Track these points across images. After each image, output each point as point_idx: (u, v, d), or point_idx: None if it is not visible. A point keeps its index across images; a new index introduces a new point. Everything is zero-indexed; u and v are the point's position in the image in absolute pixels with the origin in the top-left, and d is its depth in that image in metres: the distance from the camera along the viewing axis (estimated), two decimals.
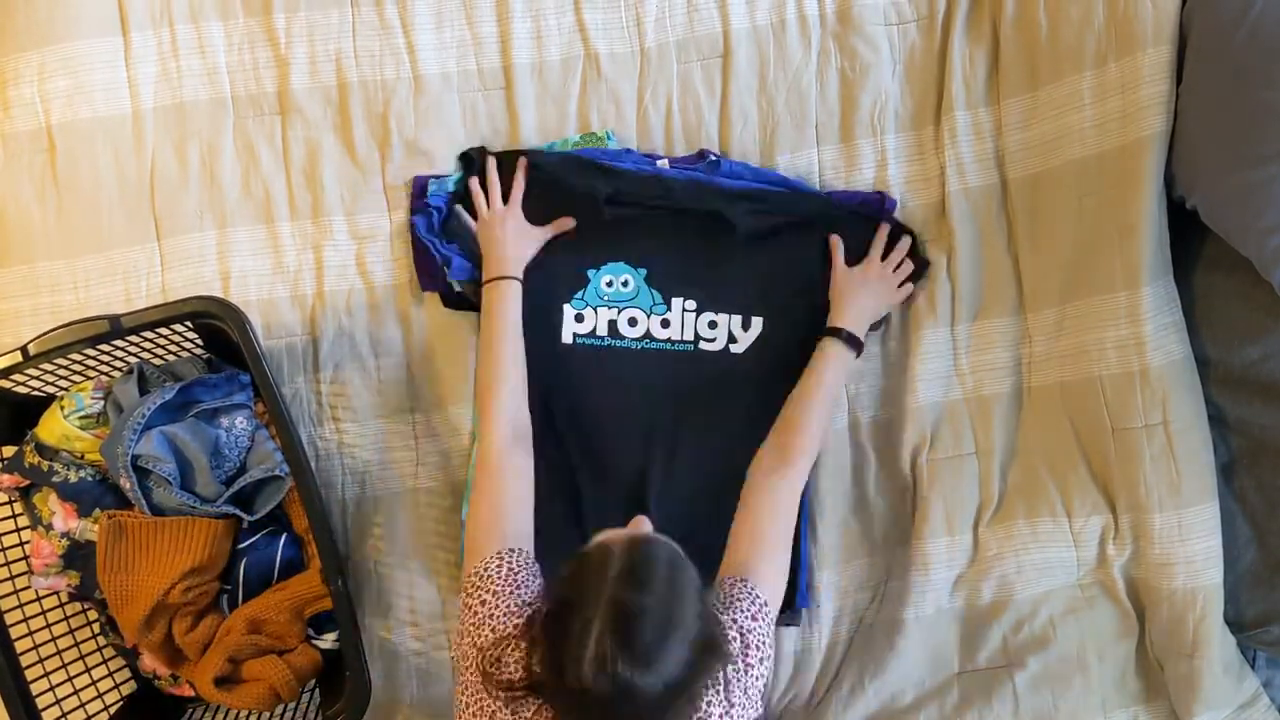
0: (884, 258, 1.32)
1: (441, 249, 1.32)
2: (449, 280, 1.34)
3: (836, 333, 1.26)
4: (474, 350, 1.37)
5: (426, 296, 1.38)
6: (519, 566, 1.02)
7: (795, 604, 1.33)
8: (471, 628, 0.98)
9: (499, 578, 1.00)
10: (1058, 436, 1.32)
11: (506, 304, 1.24)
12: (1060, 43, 1.29)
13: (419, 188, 1.37)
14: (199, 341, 1.33)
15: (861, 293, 1.29)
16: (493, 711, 0.93)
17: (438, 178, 1.37)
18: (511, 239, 1.29)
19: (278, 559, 1.29)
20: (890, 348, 1.37)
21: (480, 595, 0.99)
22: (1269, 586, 1.26)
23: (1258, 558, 1.27)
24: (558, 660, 0.83)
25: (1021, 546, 1.33)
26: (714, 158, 1.36)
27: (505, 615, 0.97)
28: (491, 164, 1.34)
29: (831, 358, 1.25)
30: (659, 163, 1.36)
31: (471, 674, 0.96)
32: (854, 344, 1.26)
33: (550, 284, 1.34)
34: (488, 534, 1.06)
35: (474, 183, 1.33)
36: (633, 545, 0.87)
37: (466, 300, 1.36)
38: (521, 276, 1.27)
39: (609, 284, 1.35)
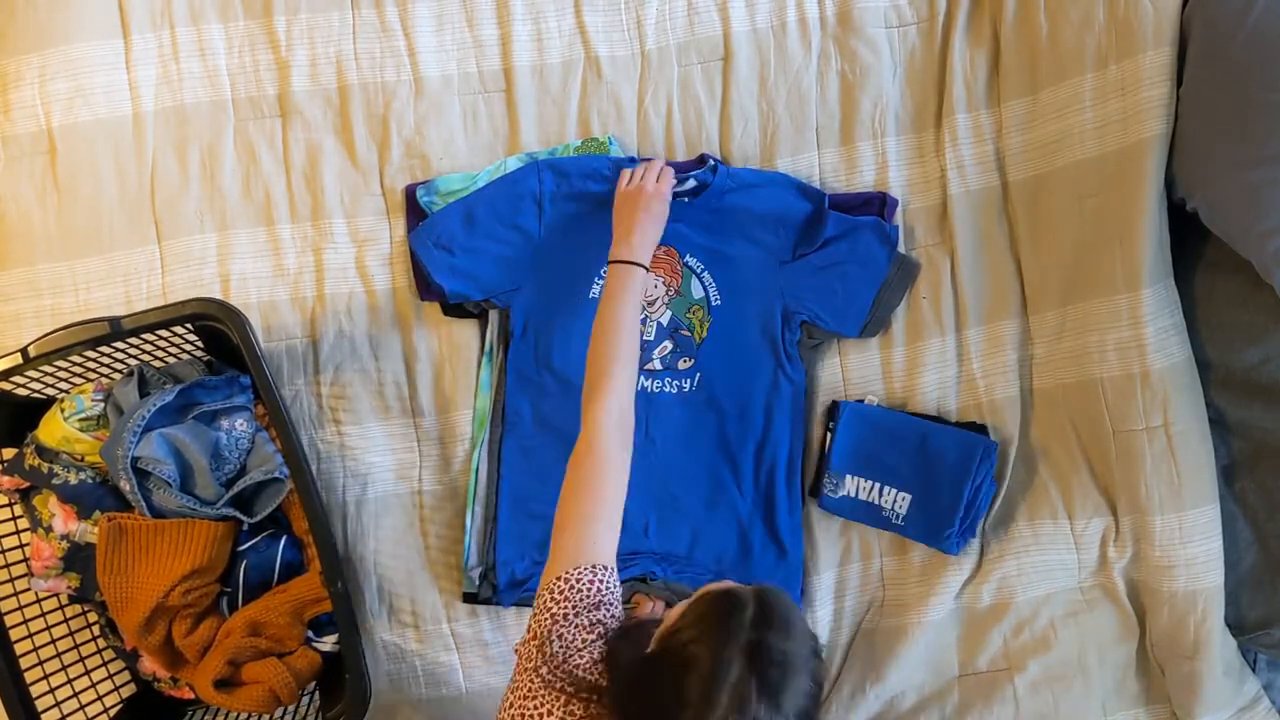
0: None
1: (435, 278, 1.33)
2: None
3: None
4: (475, 352, 1.37)
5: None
6: (607, 589, 0.97)
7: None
8: (544, 634, 0.94)
9: (589, 594, 0.96)
10: (1059, 438, 1.32)
11: (634, 291, 1.18)
12: (1061, 45, 1.30)
13: (410, 197, 1.37)
14: (199, 344, 1.33)
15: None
16: (542, 715, 0.91)
17: (425, 183, 1.37)
18: (653, 224, 1.23)
19: (278, 561, 1.29)
20: (895, 354, 1.37)
21: (564, 606, 0.94)
22: (1270, 589, 1.26)
23: (1258, 560, 1.27)
24: (679, 696, 0.82)
25: (1022, 549, 1.33)
26: (714, 162, 1.36)
27: (580, 631, 0.94)
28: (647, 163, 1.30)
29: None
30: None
31: (528, 676, 0.93)
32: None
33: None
34: (585, 537, 1.00)
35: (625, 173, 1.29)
36: (762, 592, 0.88)
37: (465, 309, 1.36)
38: (648, 264, 1.22)
39: None
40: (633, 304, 1.16)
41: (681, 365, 1.35)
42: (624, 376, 1.11)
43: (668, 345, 1.35)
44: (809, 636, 0.87)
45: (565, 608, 0.94)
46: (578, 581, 0.96)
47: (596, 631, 0.94)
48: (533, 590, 1.32)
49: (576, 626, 0.94)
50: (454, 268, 1.32)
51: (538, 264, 1.34)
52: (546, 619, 0.94)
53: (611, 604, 0.97)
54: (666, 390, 1.35)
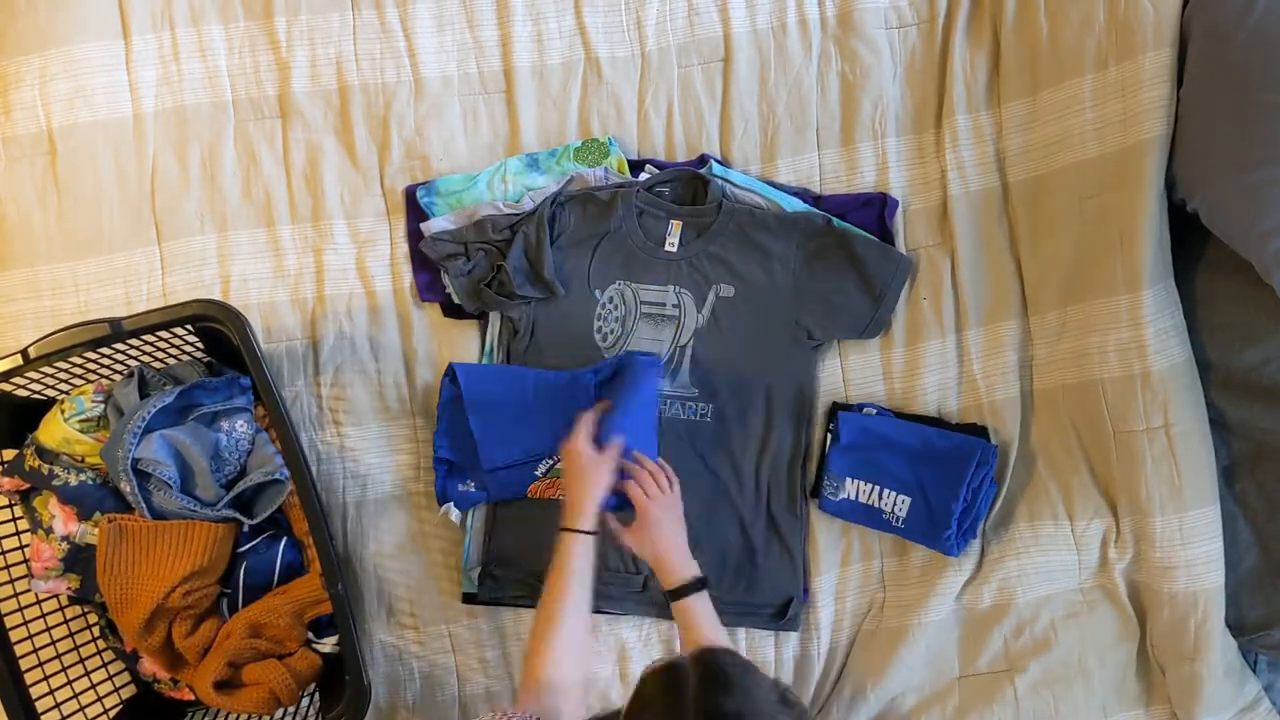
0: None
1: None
2: (448, 291, 1.35)
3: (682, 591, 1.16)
4: (475, 353, 1.38)
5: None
6: None
7: (800, 598, 1.34)
8: None
9: None
10: (1059, 439, 1.32)
11: (581, 560, 1.14)
12: (1061, 46, 1.30)
13: (410, 198, 1.37)
14: (199, 345, 1.33)
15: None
16: None
17: (425, 184, 1.37)
18: (587, 488, 1.18)
19: (278, 562, 1.29)
20: (895, 355, 1.37)
21: None
22: (1270, 590, 1.26)
23: (1259, 561, 1.27)
24: None
25: (1023, 550, 1.33)
26: (714, 161, 1.36)
27: None
28: (588, 421, 1.22)
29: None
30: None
31: None
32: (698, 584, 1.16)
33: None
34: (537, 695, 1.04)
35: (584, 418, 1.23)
36: (702, 657, 0.86)
37: (465, 311, 1.36)
38: (597, 528, 1.18)
39: None
40: (581, 575, 1.13)
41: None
42: (559, 642, 1.09)
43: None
44: (770, 687, 0.85)
45: None
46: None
47: None
48: (527, 593, 1.33)
49: None
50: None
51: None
52: None
53: None
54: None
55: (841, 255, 1.32)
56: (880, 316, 1.34)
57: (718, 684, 0.83)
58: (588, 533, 1.15)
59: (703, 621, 1.13)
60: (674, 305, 1.35)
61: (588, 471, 1.18)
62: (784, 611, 1.34)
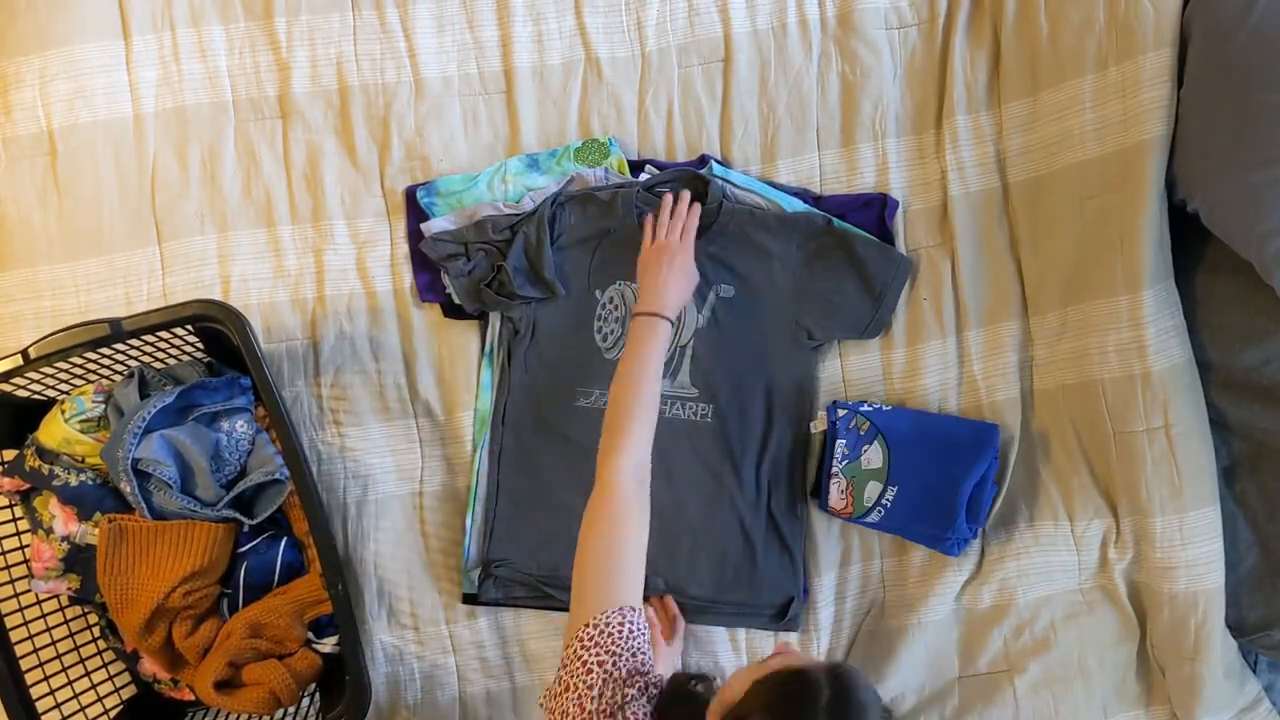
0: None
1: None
2: (448, 291, 1.35)
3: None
4: (475, 353, 1.37)
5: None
6: (638, 631, 0.93)
7: (800, 598, 1.34)
8: (583, 686, 0.89)
9: (620, 638, 0.92)
10: (1060, 440, 1.32)
11: (657, 344, 1.17)
12: (1061, 46, 1.30)
13: (410, 198, 1.37)
14: (200, 345, 1.33)
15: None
16: None
17: (425, 184, 1.37)
18: (676, 277, 1.24)
19: (278, 563, 1.29)
20: (896, 356, 1.37)
21: (598, 654, 0.90)
22: (1270, 590, 1.26)
23: (1259, 561, 1.27)
24: None
25: (1023, 550, 1.33)
26: (714, 162, 1.36)
27: (617, 684, 0.89)
28: (669, 199, 1.31)
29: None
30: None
31: None
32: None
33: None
34: (609, 580, 0.97)
35: (649, 217, 1.32)
36: (837, 675, 0.84)
37: (465, 311, 1.36)
38: (675, 319, 1.23)
39: None
40: (656, 357, 1.16)
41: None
42: (643, 432, 1.10)
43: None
44: (881, 711, 0.84)
45: (600, 654, 0.90)
46: (607, 625, 0.92)
47: (637, 685, 0.89)
48: (527, 594, 1.33)
49: (615, 681, 0.89)
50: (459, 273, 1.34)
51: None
52: (580, 669, 0.89)
53: (644, 649, 0.93)
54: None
55: (841, 255, 1.32)
56: (880, 317, 1.34)
57: (852, 711, 0.81)
58: (673, 321, 1.20)
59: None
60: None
61: (675, 258, 1.24)
62: (784, 612, 1.34)
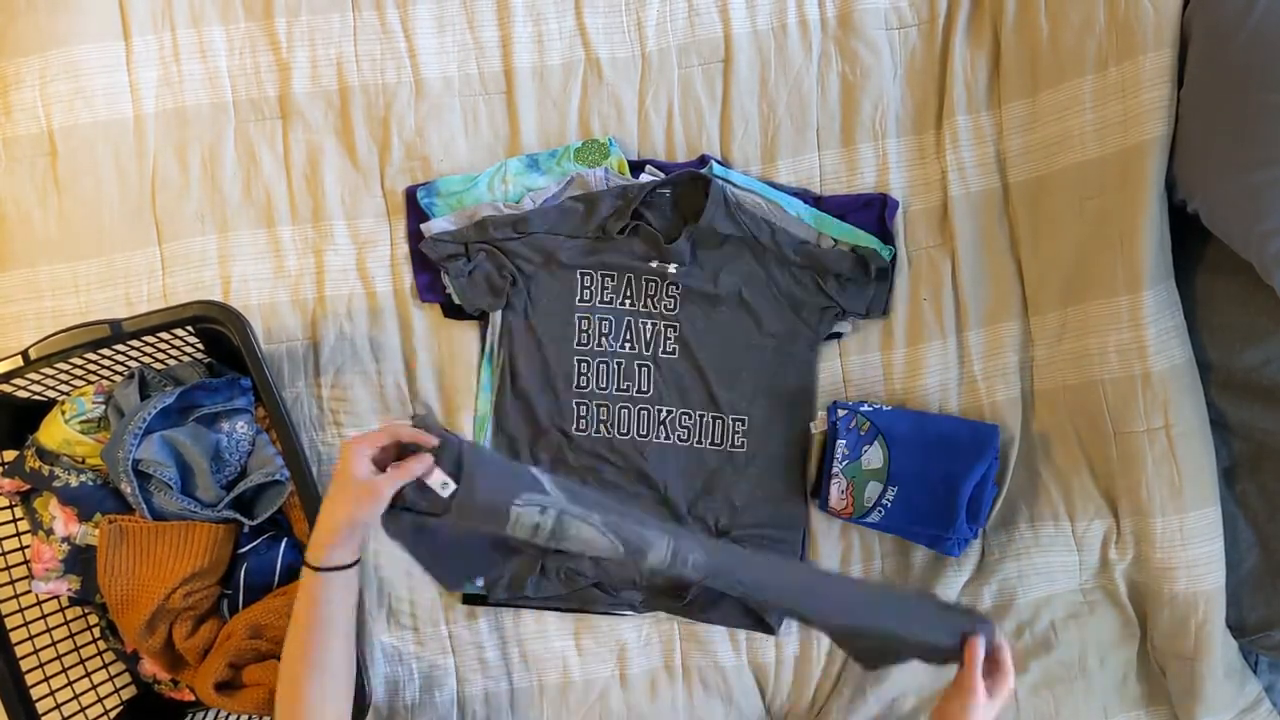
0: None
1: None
2: (448, 292, 1.35)
3: None
4: (475, 354, 1.37)
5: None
6: None
7: None
8: None
9: None
10: (1060, 440, 1.32)
11: (332, 601, 0.97)
12: (1061, 47, 1.30)
13: (410, 199, 1.37)
14: (200, 346, 1.33)
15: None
16: None
17: (426, 185, 1.37)
18: (364, 519, 0.93)
19: (278, 564, 1.29)
20: (896, 356, 1.37)
21: None
22: (1271, 590, 1.26)
23: (1260, 562, 1.27)
24: None
25: (1023, 550, 1.33)
26: (715, 162, 1.36)
27: None
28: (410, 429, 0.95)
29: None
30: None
31: None
32: None
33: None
34: None
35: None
36: None
37: (466, 312, 1.36)
38: (357, 557, 0.98)
39: None
40: (339, 612, 0.97)
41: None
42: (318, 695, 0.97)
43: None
44: None
45: None
46: None
47: None
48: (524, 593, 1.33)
49: None
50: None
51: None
52: None
53: None
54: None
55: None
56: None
57: None
58: (335, 569, 0.95)
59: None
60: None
61: (351, 494, 0.91)
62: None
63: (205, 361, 1.34)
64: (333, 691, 0.98)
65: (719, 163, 1.37)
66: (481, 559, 1.08)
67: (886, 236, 1.36)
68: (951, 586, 1.33)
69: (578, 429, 1.34)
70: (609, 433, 1.34)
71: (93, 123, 1.38)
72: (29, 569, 1.28)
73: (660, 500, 1.33)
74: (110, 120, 1.39)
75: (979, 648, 0.99)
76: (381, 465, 0.92)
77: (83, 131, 1.38)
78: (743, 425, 1.34)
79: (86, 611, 1.33)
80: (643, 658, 1.36)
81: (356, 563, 0.97)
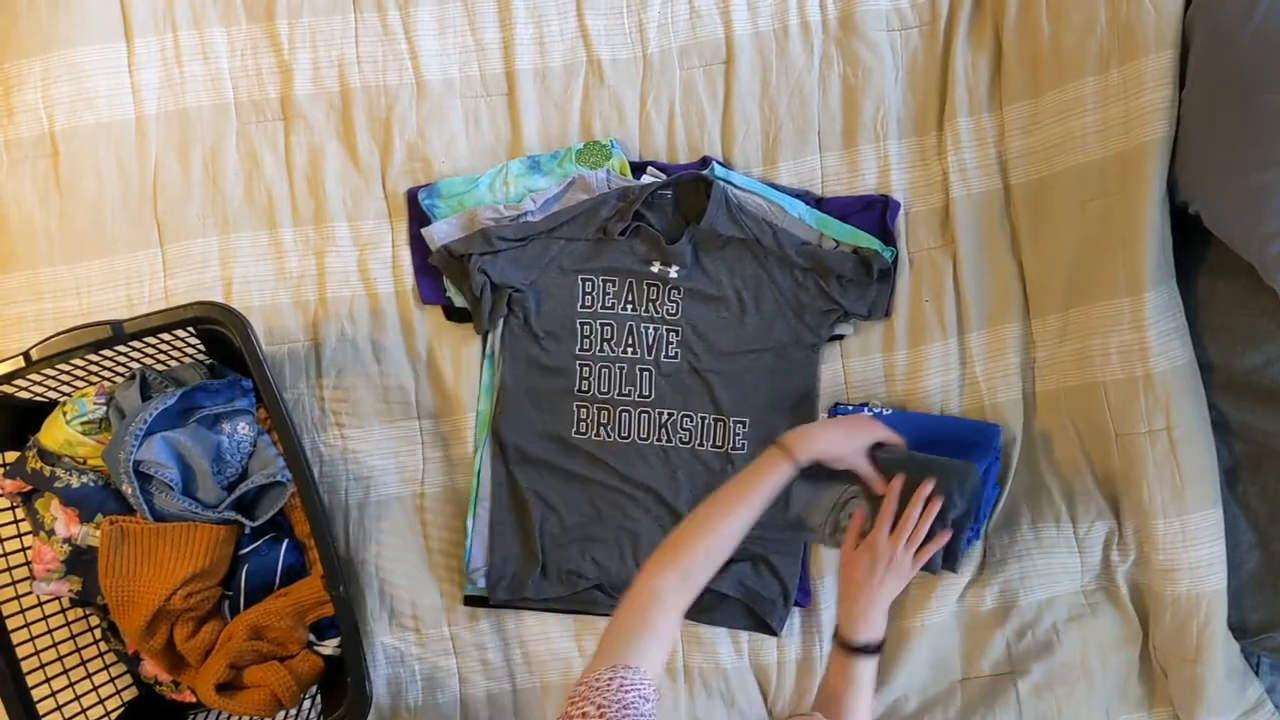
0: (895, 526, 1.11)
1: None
2: (449, 294, 1.35)
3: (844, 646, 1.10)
4: (477, 355, 1.37)
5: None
6: (631, 686, 0.90)
7: (794, 603, 1.34)
8: None
9: (610, 691, 0.88)
10: (1061, 442, 1.32)
11: (772, 481, 1.06)
12: (1062, 48, 1.30)
13: (412, 200, 1.38)
14: (201, 347, 1.33)
15: (864, 593, 1.10)
16: None
17: (427, 186, 1.37)
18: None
19: (279, 565, 1.29)
20: (898, 357, 1.37)
21: (583, 706, 0.87)
22: (1273, 592, 1.26)
23: (1261, 563, 1.27)
24: None
25: (1025, 552, 1.33)
26: (716, 163, 1.36)
27: None
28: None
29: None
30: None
31: None
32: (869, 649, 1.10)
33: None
34: (616, 647, 0.95)
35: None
36: None
37: (467, 314, 1.36)
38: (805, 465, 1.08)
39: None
40: (765, 495, 1.05)
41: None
42: (704, 554, 1.01)
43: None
44: None
45: (586, 706, 0.86)
46: (597, 681, 0.89)
47: None
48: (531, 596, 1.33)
49: None
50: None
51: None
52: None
53: (635, 703, 0.88)
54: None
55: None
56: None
57: None
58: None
59: (865, 690, 1.07)
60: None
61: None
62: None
63: (207, 363, 1.34)
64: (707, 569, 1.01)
65: (720, 164, 1.37)
66: None
67: (888, 238, 1.36)
68: (953, 588, 1.33)
69: (577, 432, 1.34)
70: (609, 436, 1.34)
71: (94, 124, 1.39)
72: (30, 570, 1.28)
73: (658, 501, 1.33)
74: (112, 122, 1.39)
75: (896, 488, 1.08)
76: None
77: (84, 133, 1.38)
78: (744, 427, 1.34)
79: (88, 612, 1.33)
80: None
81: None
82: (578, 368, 1.35)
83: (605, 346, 1.35)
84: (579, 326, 1.35)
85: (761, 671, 1.36)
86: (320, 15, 1.40)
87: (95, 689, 1.28)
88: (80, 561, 1.26)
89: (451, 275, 1.34)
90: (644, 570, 0.99)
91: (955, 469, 1.13)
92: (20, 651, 1.19)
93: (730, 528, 1.02)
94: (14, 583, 1.25)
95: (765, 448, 1.32)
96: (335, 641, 1.29)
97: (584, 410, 1.35)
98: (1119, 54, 1.25)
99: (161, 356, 1.30)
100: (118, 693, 1.31)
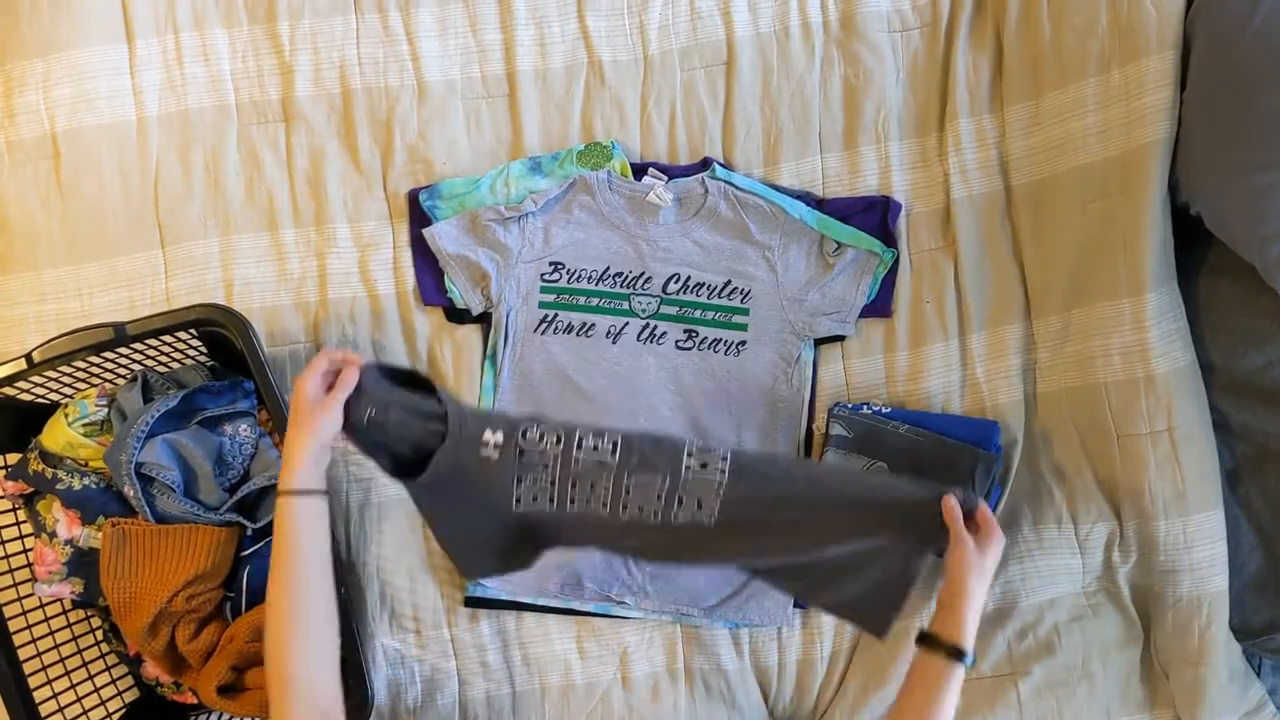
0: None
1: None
2: (450, 296, 1.35)
3: (945, 649, 1.00)
4: (478, 356, 1.37)
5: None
6: None
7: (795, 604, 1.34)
8: None
9: None
10: (1063, 443, 1.32)
11: (305, 528, 0.97)
12: (1064, 49, 1.30)
13: (413, 202, 1.38)
14: (203, 349, 1.33)
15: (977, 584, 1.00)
16: None
17: (428, 188, 1.37)
18: (315, 435, 0.98)
19: None
20: (898, 359, 1.37)
21: None
22: (1274, 593, 1.26)
23: (1263, 564, 1.27)
24: None
25: (1026, 553, 1.33)
26: (717, 165, 1.36)
27: None
28: (329, 353, 1.03)
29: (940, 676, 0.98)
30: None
31: None
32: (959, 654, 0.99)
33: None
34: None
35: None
36: None
37: (470, 315, 1.36)
38: (325, 487, 0.99)
39: None
40: (311, 546, 0.97)
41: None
42: (311, 652, 0.95)
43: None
44: None
45: None
46: None
47: None
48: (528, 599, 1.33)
49: None
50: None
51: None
52: None
53: None
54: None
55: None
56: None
57: None
58: (304, 492, 0.96)
59: (948, 698, 0.97)
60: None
61: (306, 416, 0.97)
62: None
63: (208, 364, 1.34)
64: (320, 636, 0.96)
65: (721, 165, 1.37)
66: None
67: (889, 239, 1.36)
68: None
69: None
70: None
71: (96, 126, 1.39)
72: (32, 572, 1.28)
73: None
74: (113, 123, 1.39)
75: (953, 501, 1.01)
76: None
77: (86, 134, 1.38)
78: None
79: (89, 614, 1.33)
80: (645, 660, 1.36)
81: (326, 493, 0.99)
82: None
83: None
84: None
85: (763, 673, 1.36)
86: (321, 17, 1.41)
87: (97, 690, 1.28)
88: (82, 563, 1.26)
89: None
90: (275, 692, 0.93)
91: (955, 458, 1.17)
92: (22, 653, 1.19)
93: (293, 587, 0.96)
94: (15, 584, 1.25)
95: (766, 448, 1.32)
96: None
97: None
98: (1120, 55, 1.25)
99: (163, 358, 1.31)
100: (119, 694, 1.31)
